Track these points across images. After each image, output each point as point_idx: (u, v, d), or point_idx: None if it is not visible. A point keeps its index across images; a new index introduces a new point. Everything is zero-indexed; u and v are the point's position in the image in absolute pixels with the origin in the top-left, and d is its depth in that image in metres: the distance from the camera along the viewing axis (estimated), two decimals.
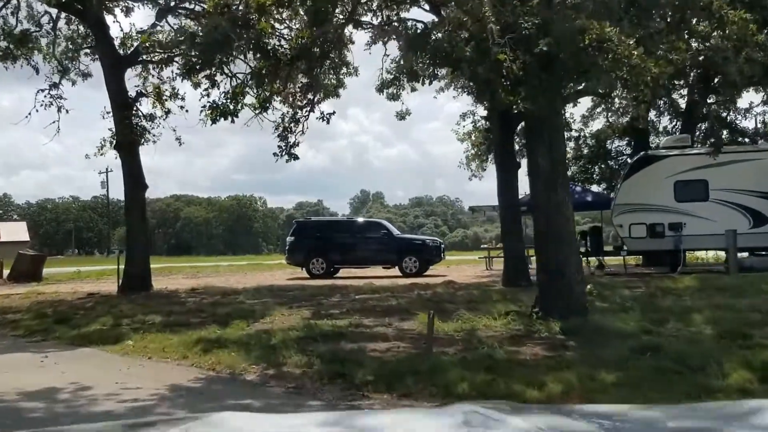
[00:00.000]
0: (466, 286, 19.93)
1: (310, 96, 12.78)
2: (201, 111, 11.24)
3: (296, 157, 12.92)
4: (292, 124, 12.74)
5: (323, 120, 12.74)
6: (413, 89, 21.71)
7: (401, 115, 21.38)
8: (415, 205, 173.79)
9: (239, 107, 11.43)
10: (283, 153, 12.82)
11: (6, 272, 27.63)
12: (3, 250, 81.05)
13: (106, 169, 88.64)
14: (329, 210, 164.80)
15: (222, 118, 10.96)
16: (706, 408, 2.69)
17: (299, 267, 27.28)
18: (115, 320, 14.70)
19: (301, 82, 12.79)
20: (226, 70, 12.71)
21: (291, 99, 12.76)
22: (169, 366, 10.03)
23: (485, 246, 32.56)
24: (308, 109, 12.86)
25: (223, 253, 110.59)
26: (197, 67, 11.10)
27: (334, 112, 12.97)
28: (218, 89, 12.24)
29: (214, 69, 11.10)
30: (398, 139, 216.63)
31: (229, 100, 11.08)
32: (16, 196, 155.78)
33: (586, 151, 32.00)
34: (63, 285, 25.43)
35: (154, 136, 20.96)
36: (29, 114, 21.28)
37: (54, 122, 21.41)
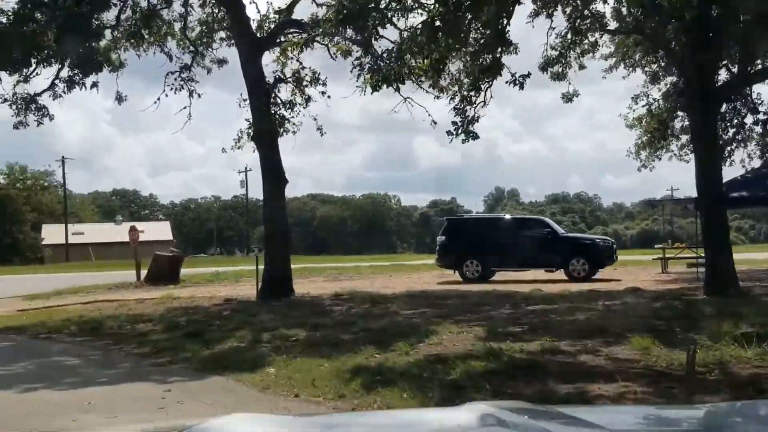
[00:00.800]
0: (660, 295, 16.58)
1: (496, 54, 9.99)
2: (359, 76, 8.81)
3: (475, 136, 10.26)
4: (472, 93, 10.04)
5: (515, 84, 9.90)
6: (581, 67, 18.72)
7: (568, 97, 18.49)
8: (551, 202, 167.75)
9: (405, 71, 8.89)
10: (460, 131, 10.19)
11: (144, 273, 26.65)
12: (148, 249, 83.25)
13: (245, 168, 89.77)
14: (463, 208, 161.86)
15: (384, 85, 8.49)
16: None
17: (451, 269, 24.60)
18: (254, 334, 12.55)
19: (482, 36, 10.05)
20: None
21: (471, 60, 10.07)
22: (322, 410, 7.56)
23: (660, 246, 28.64)
24: (490, 74, 10.08)
25: (357, 252, 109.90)
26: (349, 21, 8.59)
27: (529, 74, 10.14)
28: (371, 56, 9.78)
29: (371, 21, 8.61)
30: (530, 135, 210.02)
31: (393, 62, 8.59)
32: (161, 197, 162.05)
33: None
34: (200, 288, 23.97)
35: (294, 125, 18.88)
36: (158, 99, 19.79)
37: (185, 108, 19.77)
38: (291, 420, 2.29)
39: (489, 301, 16.20)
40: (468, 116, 10.19)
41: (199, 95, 19.94)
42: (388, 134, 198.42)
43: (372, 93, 8.97)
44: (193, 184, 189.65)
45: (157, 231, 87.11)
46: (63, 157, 71.40)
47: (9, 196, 77.67)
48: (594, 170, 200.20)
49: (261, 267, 19.67)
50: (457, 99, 10.24)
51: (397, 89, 8.82)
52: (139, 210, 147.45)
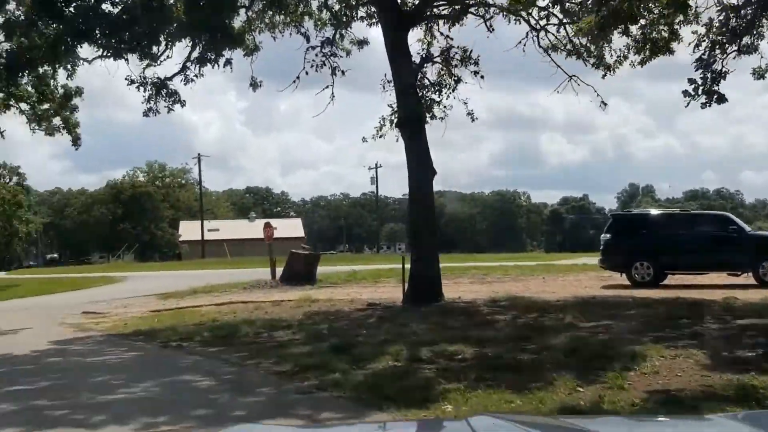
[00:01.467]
0: None
1: None
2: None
3: (721, 98, 7.79)
4: (724, 38, 7.54)
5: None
6: None
7: (760, 74, 15.29)
8: (689, 199, 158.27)
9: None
10: (701, 90, 7.74)
11: (279, 270, 25.33)
12: (281, 246, 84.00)
13: (375, 164, 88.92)
14: (595, 205, 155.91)
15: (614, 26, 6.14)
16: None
17: (618, 272, 21.74)
18: (410, 350, 10.48)
19: None
20: None
21: None
22: None
23: None
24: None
25: (485, 250, 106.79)
26: None
27: None
28: None
29: None
30: (661, 130, 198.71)
31: None
32: (292, 194, 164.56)
33: None
34: (338, 289, 22.30)
35: (443, 109, 16.77)
36: (297, 78, 18.14)
37: (327, 87, 18.05)
38: (296, 430, 2.55)
39: (682, 313, 13.45)
40: (714, 72, 7.77)
41: (342, 72, 18.17)
42: (515, 131, 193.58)
43: (597, 33, 6.74)
44: (322, 182, 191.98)
45: (289, 228, 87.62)
46: (199, 154, 72.86)
47: (149, 194, 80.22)
48: (731, 166, 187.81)
49: (401, 266, 17.79)
50: (704, 47, 7.82)
51: (626, 31, 6.60)
52: (271, 207, 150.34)
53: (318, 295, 19.87)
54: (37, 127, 19.04)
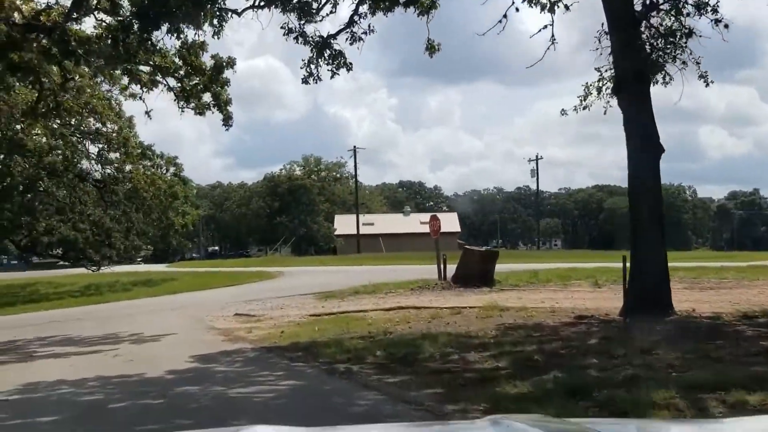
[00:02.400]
0: None
1: None
2: None
3: None
4: None
5: None
6: None
7: None
8: None
9: None
10: None
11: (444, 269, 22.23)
12: (433, 241, 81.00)
13: (536, 156, 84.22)
14: (766, 200, 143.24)
15: None
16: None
17: None
18: (688, 400, 6.96)
19: None
20: None
21: None
22: None
23: None
24: None
25: None
26: None
27: None
28: None
29: None
30: None
31: None
32: (444, 189, 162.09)
33: None
34: (524, 293, 18.83)
35: (683, 65, 12.95)
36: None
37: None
38: None
39: None
40: None
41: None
42: (673, 124, 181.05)
43: None
44: (471, 176, 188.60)
45: (445, 222, 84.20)
46: (354, 146, 71.29)
47: (305, 186, 79.69)
48: None
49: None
50: None
51: None
52: (424, 201, 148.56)
53: (504, 301, 16.52)
54: (185, 105, 16.92)
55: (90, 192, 31.40)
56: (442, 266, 21.95)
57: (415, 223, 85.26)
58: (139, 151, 33.16)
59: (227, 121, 16.94)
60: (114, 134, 31.22)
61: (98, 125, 30.76)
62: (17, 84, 16.90)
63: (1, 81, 15.83)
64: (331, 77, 13.86)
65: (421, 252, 61.46)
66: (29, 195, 27.11)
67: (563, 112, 15.89)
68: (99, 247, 28.48)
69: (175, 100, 17.01)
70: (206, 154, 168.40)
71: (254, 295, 23.00)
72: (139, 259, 62.29)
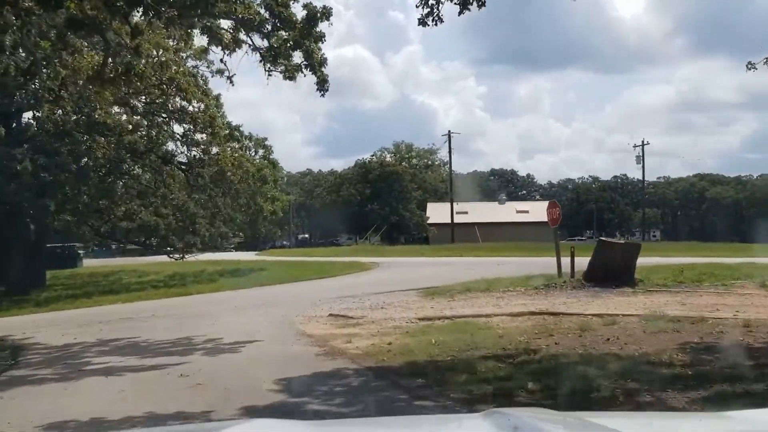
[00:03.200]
0: None
1: None
2: None
3: None
4: None
5: None
6: None
7: None
8: None
9: None
10: None
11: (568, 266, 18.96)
12: (532, 231, 77.41)
13: (642, 141, 78.97)
14: None
15: None
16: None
17: None
18: None
19: None
20: None
21: None
22: None
23: None
24: None
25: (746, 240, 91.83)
26: None
27: None
28: None
29: None
30: None
31: None
32: (538, 178, 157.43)
33: None
34: (680, 296, 15.32)
35: None
36: None
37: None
38: (311, 426, 2.31)
39: None
40: None
41: None
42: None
43: None
44: (561, 165, 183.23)
45: (541, 211, 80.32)
46: (449, 131, 67.99)
47: (397, 173, 76.87)
48: None
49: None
50: None
51: None
52: (516, 190, 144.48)
53: (663, 306, 13.17)
54: (272, 68, 14.22)
55: (175, 175, 29.41)
56: (570, 261, 18.60)
57: (510, 211, 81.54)
58: (227, 132, 31.01)
59: (322, 84, 14.15)
60: (200, 114, 29.12)
61: (183, 103, 28.71)
62: (83, 46, 14.77)
63: (61, 39, 13.52)
64: (460, 12, 10.79)
65: (521, 242, 58.01)
66: (110, 177, 25.18)
67: (750, 65, 12.36)
68: (182, 234, 26.37)
69: (261, 61, 14.36)
70: (295, 143, 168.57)
71: (349, 291, 20.35)
72: (231, 247, 61.09)
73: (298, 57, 14.19)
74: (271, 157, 32.40)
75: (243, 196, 29.53)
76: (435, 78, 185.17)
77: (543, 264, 26.13)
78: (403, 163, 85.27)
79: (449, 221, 73.12)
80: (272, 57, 13.97)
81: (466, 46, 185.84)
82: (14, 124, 23.37)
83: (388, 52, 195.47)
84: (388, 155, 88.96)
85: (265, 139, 32.74)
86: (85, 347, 12.20)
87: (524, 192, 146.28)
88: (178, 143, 30.03)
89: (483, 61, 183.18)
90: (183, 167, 30.18)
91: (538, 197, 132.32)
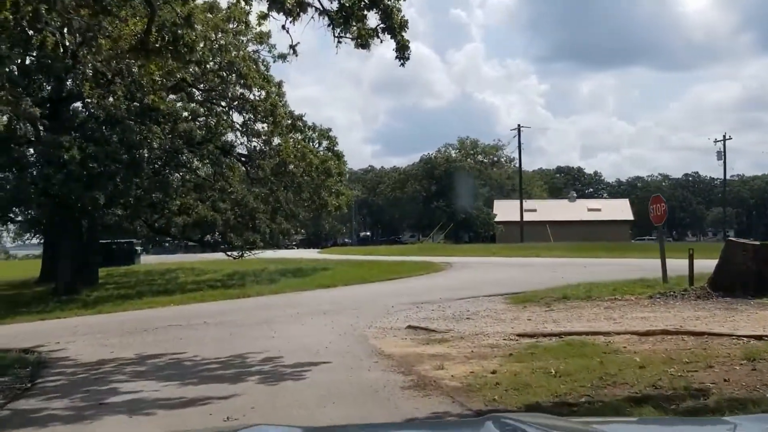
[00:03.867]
0: None
1: None
2: None
3: None
4: None
5: None
6: None
7: None
8: None
9: None
10: None
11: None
12: (605, 230, 73.66)
13: (723, 136, 74.41)
14: None
15: None
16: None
17: None
18: None
19: None
20: None
21: None
22: None
23: None
24: None
25: None
26: None
27: None
28: None
29: None
30: None
31: None
32: (606, 176, 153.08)
33: None
34: None
35: None
36: None
37: None
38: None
39: None
40: None
41: None
42: None
43: None
44: (623, 164, 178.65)
45: (614, 209, 76.79)
46: (519, 125, 64.75)
47: (464, 170, 74.03)
48: None
49: None
50: None
51: None
52: (583, 188, 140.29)
53: None
54: (343, 34, 11.89)
55: (234, 167, 27.47)
56: (688, 265, 15.83)
57: (581, 209, 77.92)
58: (289, 122, 28.97)
59: (402, 52, 11.74)
60: (261, 102, 27.15)
61: (243, 91, 26.79)
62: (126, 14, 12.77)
63: (98, 2, 11.48)
64: None
65: (597, 242, 54.68)
66: (166, 169, 23.31)
67: None
68: (241, 231, 24.37)
69: (329, 26, 12.05)
70: (356, 141, 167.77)
71: (425, 295, 18.01)
72: (293, 244, 59.29)
73: (373, 19, 11.84)
74: (335, 148, 30.18)
75: (306, 190, 27.39)
76: (496, 75, 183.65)
77: (636, 266, 23.38)
78: (468, 160, 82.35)
79: (517, 219, 70.12)
80: (343, 19, 11.65)
81: (528, 43, 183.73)
82: (63, 112, 21.74)
83: (450, 49, 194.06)
84: (453, 151, 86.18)
85: (329, 129, 30.56)
86: (119, 365, 10.10)
87: (591, 190, 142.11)
88: (238, 133, 28.14)
89: (545, 58, 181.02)
90: (243, 159, 28.27)
91: (605, 195, 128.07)
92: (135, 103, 21.19)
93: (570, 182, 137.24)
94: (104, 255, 38.35)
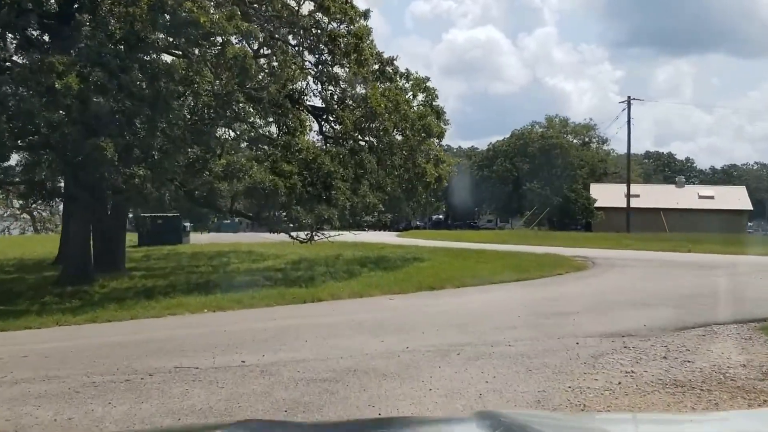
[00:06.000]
0: None
1: None
2: None
3: None
4: None
5: None
6: None
7: None
8: None
9: None
10: None
11: None
12: (718, 219, 64.38)
13: None
14: None
15: None
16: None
17: None
18: None
19: None
20: None
21: None
22: None
23: None
24: None
25: None
26: None
27: None
28: None
29: None
30: None
31: None
32: (698, 163, 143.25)
33: None
34: None
35: None
36: None
37: None
38: (303, 427, 2.07)
39: None
40: None
41: None
42: None
43: None
44: (700, 153, 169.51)
45: (729, 198, 67.15)
46: (629, 97, 55.96)
47: (562, 147, 65.55)
48: None
49: None
50: None
51: None
52: (673, 175, 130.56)
53: None
54: None
55: (305, 121, 20.51)
56: None
57: (691, 196, 68.78)
58: (376, 66, 22.00)
59: None
60: (341, 35, 20.28)
61: (319, 16, 20.01)
62: None
63: None
64: None
65: (721, 234, 46.32)
66: (213, 115, 16.32)
67: None
68: (312, 204, 17.31)
69: None
70: None
71: (609, 318, 10.89)
72: (367, 225, 52.04)
73: None
74: (435, 103, 23.07)
75: (399, 153, 20.36)
76: (569, 61, 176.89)
77: None
78: (567, 137, 73.62)
79: (617, 205, 61.85)
80: None
81: (604, 28, 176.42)
82: (65, 25, 15.24)
83: (521, 32, 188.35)
84: (540, 130, 77.69)
85: (428, 79, 23.45)
86: None
87: (682, 177, 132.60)
88: (310, 79, 21.23)
89: (620, 44, 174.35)
90: (316, 111, 21.42)
91: (697, 183, 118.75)
92: (165, 15, 14.51)
93: (660, 168, 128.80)
94: (148, 232, 32.31)
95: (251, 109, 19.12)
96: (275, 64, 19.91)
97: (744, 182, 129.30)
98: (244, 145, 19.29)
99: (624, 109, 55.58)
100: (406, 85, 23.15)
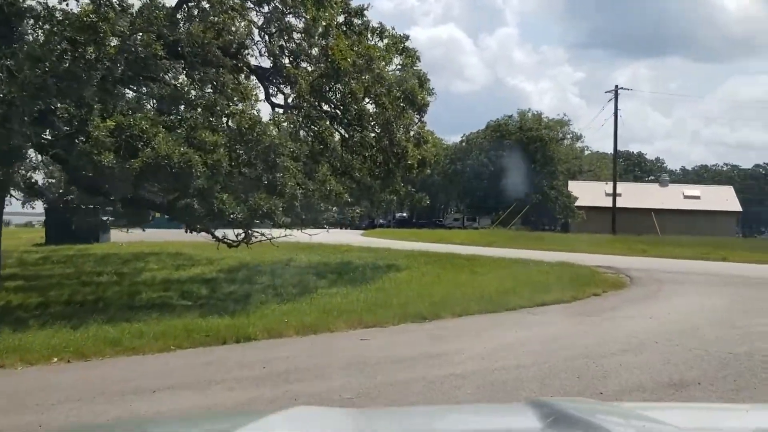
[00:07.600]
0: None
1: None
2: None
3: None
4: None
5: None
6: None
7: None
8: None
9: None
10: None
11: None
12: (705, 220, 60.43)
13: None
14: None
15: None
16: None
17: None
18: None
19: None
20: None
21: None
22: None
23: None
24: None
25: None
26: None
27: None
28: None
29: None
30: None
31: None
32: (668, 163, 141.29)
33: None
34: None
35: None
36: None
37: None
38: (355, 413, 2.13)
39: None
40: None
41: None
42: None
43: None
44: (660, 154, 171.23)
45: (716, 199, 62.97)
46: (616, 86, 51.18)
47: (541, 140, 60.56)
48: None
49: None
50: None
51: None
52: (643, 175, 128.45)
53: None
54: None
55: (246, 86, 15.11)
56: None
57: (675, 196, 64.55)
58: (342, 18, 16.72)
59: None
60: None
61: None
62: None
63: None
64: None
65: (707, 236, 42.15)
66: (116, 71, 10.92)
67: None
68: (246, 191, 11.88)
69: None
70: None
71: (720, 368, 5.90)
72: (324, 223, 46.08)
73: None
74: (416, 68, 17.91)
75: (371, 127, 15.16)
76: (528, 62, 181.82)
77: None
78: (544, 131, 68.66)
79: (597, 204, 57.53)
80: None
81: (564, 30, 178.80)
82: None
83: (482, 33, 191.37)
84: (511, 124, 72.61)
85: (407, 37, 18.27)
86: None
87: (652, 177, 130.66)
88: (255, 31, 15.82)
89: (579, 45, 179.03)
90: (260, 71, 16.04)
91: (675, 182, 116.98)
92: None
93: (630, 168, 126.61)
94: (54, 227, 26.65)
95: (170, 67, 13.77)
96: (206, 5, 14.63)
97: (717, 183, 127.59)
98: (149, 107, 13.90)
99: (611, 99, 50.76)
100: (380, 44, 17.91)
